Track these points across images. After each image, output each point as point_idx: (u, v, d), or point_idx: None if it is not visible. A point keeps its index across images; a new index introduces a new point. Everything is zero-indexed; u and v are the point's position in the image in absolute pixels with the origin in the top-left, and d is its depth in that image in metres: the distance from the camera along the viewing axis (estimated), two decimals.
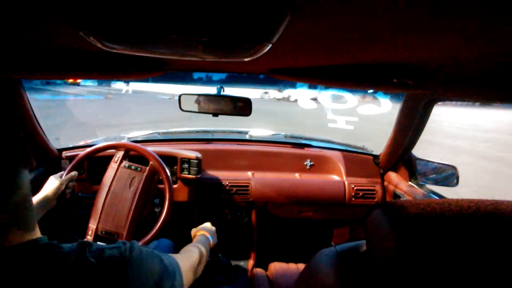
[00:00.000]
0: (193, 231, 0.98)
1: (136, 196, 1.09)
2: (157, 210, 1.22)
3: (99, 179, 1.15)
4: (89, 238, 1.05)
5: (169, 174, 1.13)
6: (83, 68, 0.69)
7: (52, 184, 0.96)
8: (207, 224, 1.01)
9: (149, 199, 1.16)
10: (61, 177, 1.01)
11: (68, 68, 0.68)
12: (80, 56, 0.64)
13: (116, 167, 1.13)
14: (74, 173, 1.05)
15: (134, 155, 1.19)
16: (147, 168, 1.13)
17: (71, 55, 0.62)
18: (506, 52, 0.39)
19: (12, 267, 0.35)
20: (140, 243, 1.04)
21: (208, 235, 0.91)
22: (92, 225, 1.06)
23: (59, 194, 0.97)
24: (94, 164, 1.31)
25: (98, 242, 0.96)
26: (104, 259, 0.39)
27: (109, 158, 1.17)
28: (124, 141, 1.36)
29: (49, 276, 0.35)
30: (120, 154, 1.15)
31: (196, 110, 1.10)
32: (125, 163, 1.14)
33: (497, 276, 0.36)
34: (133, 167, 1.13)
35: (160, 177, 1.14)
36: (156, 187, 1.21)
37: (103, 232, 1.06)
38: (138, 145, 1.16)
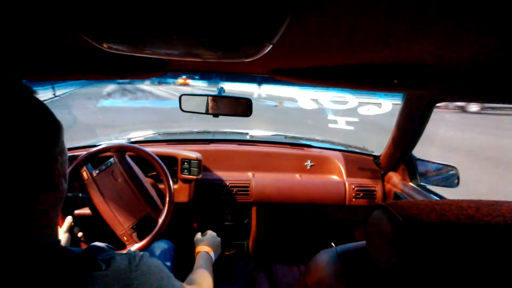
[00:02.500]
0: (197, 244, 0.94)
1: (129, 180, 1.10)
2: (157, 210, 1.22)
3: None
4: (130, 242, 1.06)
5: (169, 174, 1.13)
6: (83, 68, 0.70)
7: None
8: (212, 236, 0.98)
9: (140, 173, 1.17)
10: None
11: (68, 69, 0.68)
12: (80, 56, 0.64)
13: (92, 181, 1.12)
14: None
15: (132, 156, 1.19)
16: (113, 155, 1.14)
17: (72, 55, 0.62)
18: (507, 51, 0.39)
19: (32, 263, 0.35)
20: (141, 244, 1.05)
21: (212, 253, 0.90)
22: (120, 231, 1.06)
23: None
24: (94, 164, 1.31)
25: (99, 244, 0.96)
26: (112, 265, 0.39)
27: (111, 158, 1.17)
28: (124, 142, 1.36)
29: (59, 277, 0.35)
30: (84, 171, 1.13)
31: (197, 111, 1.10)
32: (94, 172, 1.14)
33: (497, 277, 0.36)
34: (103, 167, 1.14)
35: (158, 174, 1.15)
36: (136, 161, 1.20)
37: (134, 227, 1.07)
38: (137, 146, 1.16)
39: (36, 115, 0.38)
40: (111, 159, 1.15)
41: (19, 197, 0.36)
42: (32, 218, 0.38)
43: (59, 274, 0.35)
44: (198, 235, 0.99)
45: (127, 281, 0.39)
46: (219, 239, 0.99)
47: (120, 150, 1.15)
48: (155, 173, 1.36)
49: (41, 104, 0.39)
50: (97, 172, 1.13)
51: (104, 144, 1.17)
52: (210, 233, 0.99)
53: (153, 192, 1.14)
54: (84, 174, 1.12)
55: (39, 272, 0.35)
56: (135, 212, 1.08)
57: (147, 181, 1.17)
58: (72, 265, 0.37)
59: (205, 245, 0.92)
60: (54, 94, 13.83)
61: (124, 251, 0.44)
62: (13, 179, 0.35)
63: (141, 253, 0.44)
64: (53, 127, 0.40)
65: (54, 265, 0.36)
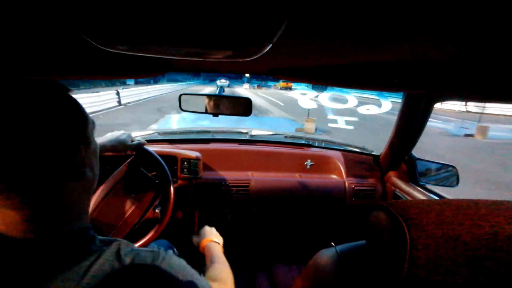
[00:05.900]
0: (201, 237, 0.93)
1: (140, 199, 1.08)
2: (157, 210, 1.22)
3: (103, 179, 1.13)
4: None
5: (169, 174, 1.13)
6: (83, 68, 0.70)
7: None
8: (208, 229, 0.97)
9: (152, 205, 1.14)
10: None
11: (68, 68, 0.68)
12: (80, 56, 0.64)
13: (126, 168, 1.09)
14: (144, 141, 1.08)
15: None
16: (160, 178, 1.11)
17: (72, 55, 0.62)
18: (506, 51, 0.39)
19: (58, 251, 0.36)
20: (139, 244, 1.04)
21: (216, 240, 0.89)
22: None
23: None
24: (99, 163, 1.30)
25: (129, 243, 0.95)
26: (136, 260, 0.39)
27: (114, 157, 1.16)
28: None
29: (83, 266, 0.36)
30: (137, 156, 1.11)
31: (196, 110, 1.10)
32: (141, 167, 1.11)
33: (497, 278, 0.36)
34: (150, 176, 1.10)
35: (162, 179, 1.14)
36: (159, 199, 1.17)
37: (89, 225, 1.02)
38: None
39: (60, 110, 0.39)
40: (158, 181, 1.10)
41: (45, 185, 0.37)
42: (61, 206, 0.39)
43: (80, 263, 0.36)
44: (195, 236, 0.98)
45: (150, 278, 0.39)
46: (213, 227, 0.98)
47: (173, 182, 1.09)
48: (155, 172, 1.36)
49: (70, 101, 0.41)
50: (140, 171, 1.09)
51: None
52: (206, 227, 0.98)
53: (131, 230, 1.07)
54: (135, 158, 1.10)
55: (61, 260, 0.36)
56: (106, 219, 1.03)
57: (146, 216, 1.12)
58: (95, 256, 0.37)
59: (208, 237, 0.90)
60: (118, 102, 11.46)
61: (149, 248, 0.44)
62: (39, 168, 0.36)
63: (167, 251, 0.44)
64: (78, 121, 0.41)
65: (77, 254, 0.37)
